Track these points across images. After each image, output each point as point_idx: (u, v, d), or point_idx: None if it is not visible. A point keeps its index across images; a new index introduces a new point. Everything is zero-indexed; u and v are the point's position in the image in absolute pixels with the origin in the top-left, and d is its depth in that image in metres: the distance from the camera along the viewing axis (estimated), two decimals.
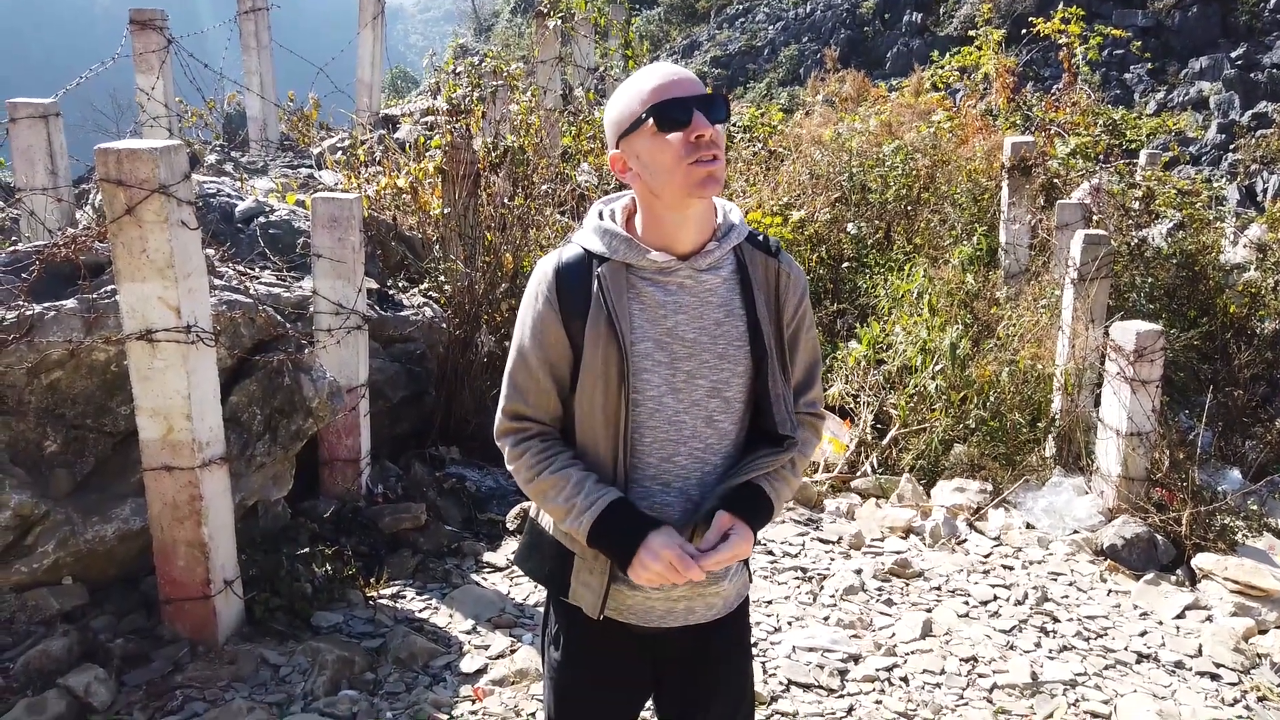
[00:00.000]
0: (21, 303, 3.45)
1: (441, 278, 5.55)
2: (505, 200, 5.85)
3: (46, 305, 3.47)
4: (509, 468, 1.83)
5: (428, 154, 6.35)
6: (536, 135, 7.25)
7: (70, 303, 3.50)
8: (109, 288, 3.51)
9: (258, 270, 4.76)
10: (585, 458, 1.77)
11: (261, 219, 5.31)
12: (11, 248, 4.04)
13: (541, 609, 3.83)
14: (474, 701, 3.27)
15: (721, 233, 1.78)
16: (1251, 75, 16.77)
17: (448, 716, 3.18)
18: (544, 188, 6.40)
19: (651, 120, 1.66)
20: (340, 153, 7.88)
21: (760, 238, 1.84)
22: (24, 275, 3.56)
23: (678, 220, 1.72)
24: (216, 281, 3.81)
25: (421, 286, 5.60)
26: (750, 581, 1.99)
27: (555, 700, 1.92)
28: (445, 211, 5.73)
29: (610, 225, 1.77)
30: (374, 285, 5.10)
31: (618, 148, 1.75)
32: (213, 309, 3.43)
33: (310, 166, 8.17)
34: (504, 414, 1.82)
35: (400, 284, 5.59)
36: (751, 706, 2.03)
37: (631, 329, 1.72)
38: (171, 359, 3.16)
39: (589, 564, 1.77)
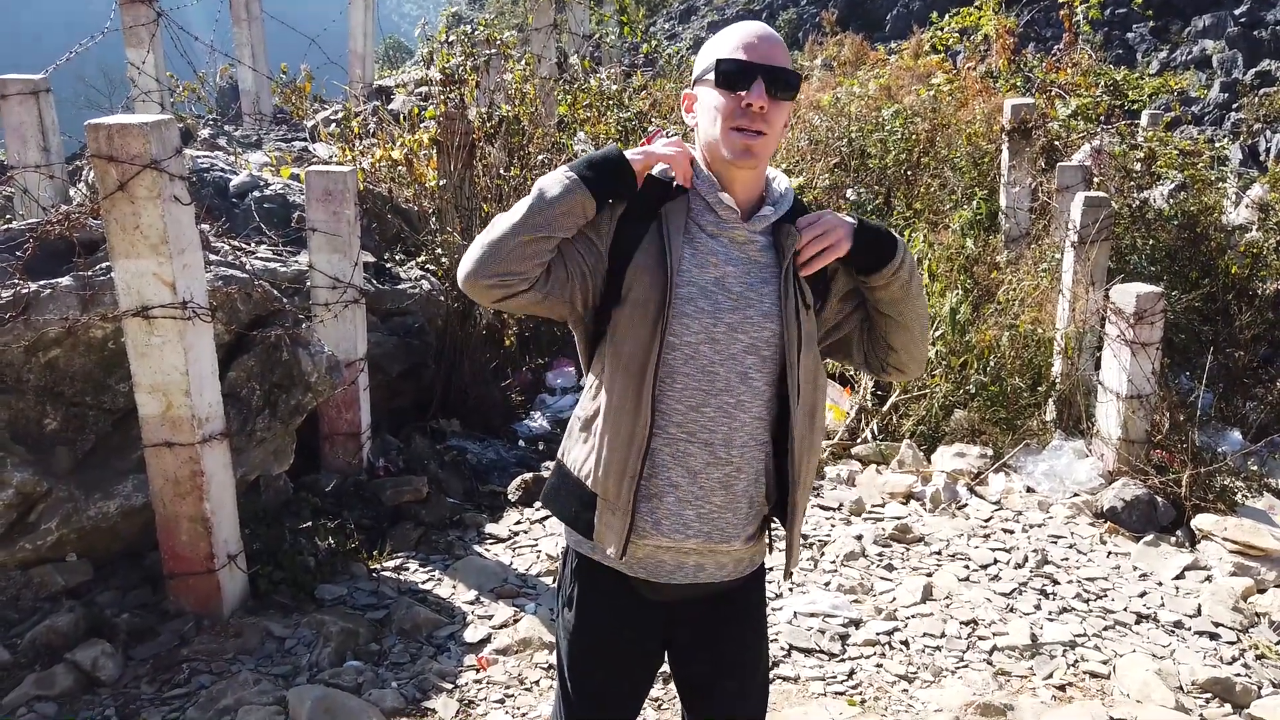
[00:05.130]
0: (17, 281, 3.43)
1: (438, 250, 5.52)
2: (501, 171, 5.81)
3: (42, 283, 3.46)
4: (481, 236, 1.74)
5: (422, 125, 6.29)
6: (532, 104, 7.18)
7: (66, 280, 3.49)
8: (104, 265, 3.50)
9: (253, 245, 4.74)
10: (611, 395, 1.74)
11: (256, 193, 5.28)
12: (5, 225, 4.02)
13: (545, 579, 3.87)
14: (478, 670, 3.30)
15: (771, 199, 1.82)
16: (1255, 33, 16.56)
17: (452, 685, 3.21)
18: (540, 158, 6.35)
19: (713, 73, 1.71)
20: (334, 125, 7.82)
21: (798, 208, 1.85)
22: (18, 253, 3.55)
23: (729, 176, 1.77)
24: (212, 257, 3.80)
25: (418, 259, 5.58)
26: (770, 550, 1.97)
27: (568, 660, 1.92)
28: (441, 183, 5.70)
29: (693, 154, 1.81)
30: (370, 258, 5.09)
31: (692, 89, 1.81)
32: (209, 284, 3.42)
33: (304, 139, 8.11)
34: None
35: (397, 257, 5.57)
36: (766, 675, 2.04)
37: (679, 270, 1.73)
38: (168, 335, 3.16)
39: (610, 505, 1.77)
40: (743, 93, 1.68)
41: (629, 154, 1.74)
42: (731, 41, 1.72)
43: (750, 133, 1.69)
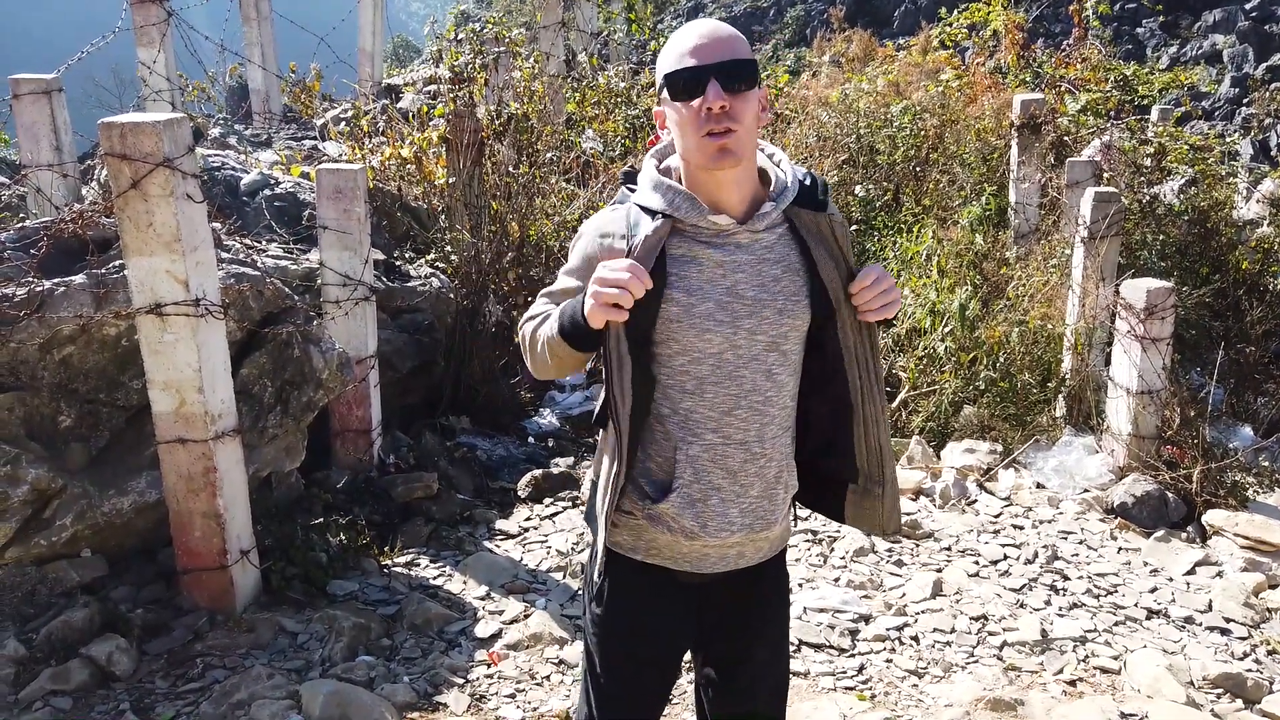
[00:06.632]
0: (31, 279, 3.46)
1: (448, 247, 5.54)
2: (510, 168, 5.83)
3: (56, 281, 3.49)
4: (523, 342, 1.88)
5: (431, 123, 6.32)
6: (540, 102, 7.20)
7: (79, 278, 3.52)
8: (117, 263, 3.52)
9: (264, 243, 4.77)
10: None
11: (267, 192, 5.30)
12: (19, 224, 4.05)
13: (554, 574, 3.89)
14: (489, 665, 3.32)
15: (776, 192, 1.78)
16: (1266, 27, 16.47)
17: (463, 680, 3.22)
18: (549, 155, 6.37)
19: (669, 88, 1.68)
20: (344, 123, 7.85)
21: (807, 188, 1.82)
22: (32, 252, 3.58)
23: (717, 180, 1.74)
24: (224, 255, 3.82)
25: (428, 257, 5.60)
26: (795, 525, 2.01)
27: (600, 653, 1.93)
28: (450, 181, 5.71)
29: (674, 183, 1.78)
30: (380, 256, 5.11)
31: (658, 104, 1.78)
32: (221, 282, 3.44)
33: (314, 138, 8.14)
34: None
35: (407, 255, 5.59)
36: (788, 655, 2.06)
37: (690, 290, 1.73)
38: (181, 332, 3.18)
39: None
40: (699, 100, 1.65)
41: (588, 311, 1.68)
42: (677, 50, 1.69)
43: (719, 134, 1.66)
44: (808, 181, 1.83)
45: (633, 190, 1.82)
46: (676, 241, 1.75)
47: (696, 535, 1.81)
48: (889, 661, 3.37)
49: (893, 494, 1.93)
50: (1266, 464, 4.88)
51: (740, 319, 1.75)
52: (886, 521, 1.95)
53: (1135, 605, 3.74)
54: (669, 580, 1.87)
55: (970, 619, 3.62)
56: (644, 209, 1.77)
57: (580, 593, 2.02)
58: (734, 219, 1.75)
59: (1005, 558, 4.09)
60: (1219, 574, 3.97)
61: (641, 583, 1.88)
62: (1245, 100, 14.36)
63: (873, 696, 3.19)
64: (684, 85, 1.66)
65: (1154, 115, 8.37)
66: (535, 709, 3.12)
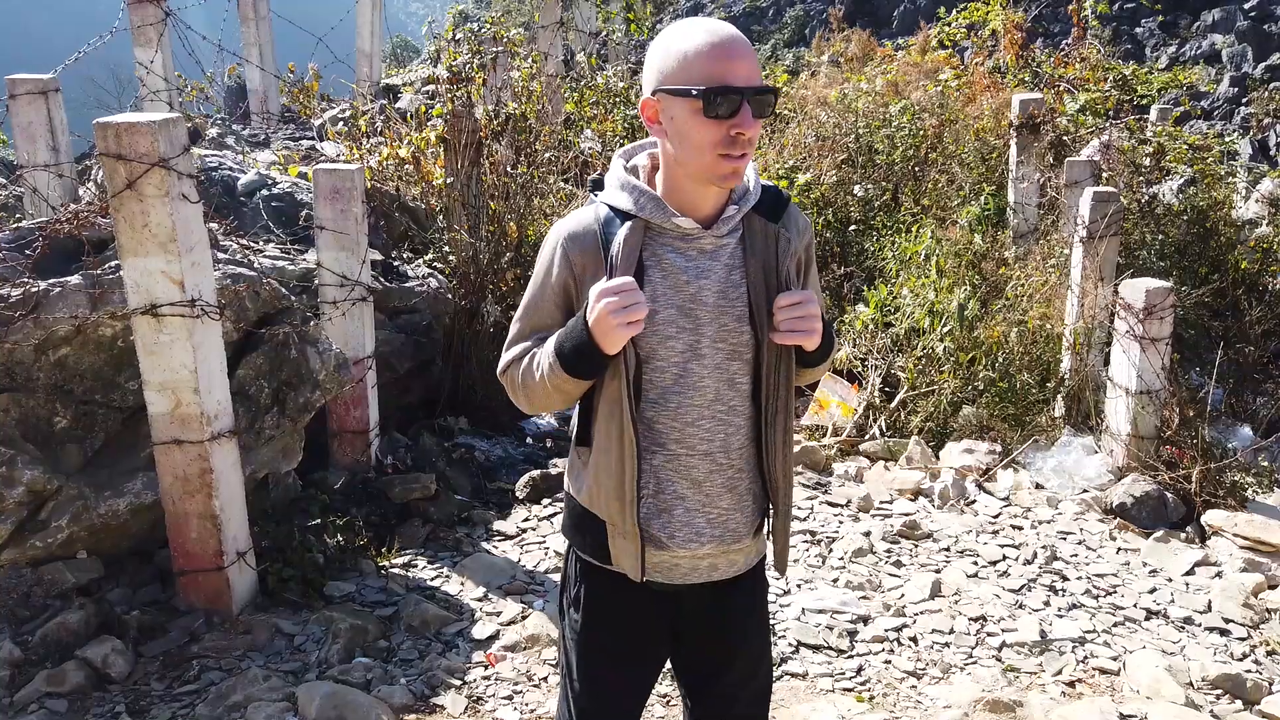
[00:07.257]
0: (27, 279, 3.45)
1: (446, 248, 5.53)
2: (508, 169, 5.81)
3: (52, 281, 3.48)
4: (509, 383, 1.86)
5: (429, 123, 6.30)
6: (538, 102, 7.19)
7: (75, 279, 3.50)
8: (113, 263, 3.51)
9: (261, 243, 4.75)
10: (598, 426, 1.77)
11: (264, 192, 5.29)
12: (15, 224, 4.04)
13: (553, 575, 3.87)
14: (487, 667, 3.31)
15: (738, 196, 1.77)
16: (1265, 27, 16.45)
17: (461, 682, 3.21)
18: (547, 155, 6.36)
19: (700, 101, 1.61)
20: (342, 124, 7.84)
21: (767, 196, 1.81)
22: (28, 252, 3.57)
23: (699, 189, 1.72)
24: (220, 255, 3.81)
25: (426, 257, 5.59)
26: (767, 541, 1.99)
27: (577, 660, 1.92)
28: (448, 181, 5.70)
29: (640, 183, 1.76)
30: (378, 257, 5.10)
31: (653, 95, 1.68)
32: (217, 283, 3.43)
33: (312, 138, 8.13)
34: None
35: (404, 255, 5.58)
36: (770, 664, 2.05)
37: (654, 296, 1.71)
38: (177, 333, 3.17)
39: (619, 529, 1.78)
40: (732, 120, 1.61)
41: (598, 338, 1.65)
42: (706, 56, 1.60)
43: (738, 157, 1.64)
44: (770, 193, 1.80)
45: (599, 192, 1.81)
46: (644, 243, 1.74)
47: (664, 545, 1.79)
48: (887, 663, 3.36)
49: (784, 528, 1.88)
50: (1266, 464, 4.87)
51: (703, 326, 1.73)
52: (775, 559, 1.91)
53: (1134, 606, 3.74)
54: (643, 589, 1.85)
55: (969, 620, 3.61)
56: (611, 208, 1.76)
57: (560, 599, 2.00)
58: (699, 223, 1.73)
59: (1004, 558, 4.08)
60: (1218, 574, 3.96)
61: (618, 594, 1.86)
62: (1244, 100, 14.36)
63: (871, 698, 3.18)
64: (721, 104, 1.60)
65: (1153, 115, 8.37)
66: (533, 710, 3.11)
